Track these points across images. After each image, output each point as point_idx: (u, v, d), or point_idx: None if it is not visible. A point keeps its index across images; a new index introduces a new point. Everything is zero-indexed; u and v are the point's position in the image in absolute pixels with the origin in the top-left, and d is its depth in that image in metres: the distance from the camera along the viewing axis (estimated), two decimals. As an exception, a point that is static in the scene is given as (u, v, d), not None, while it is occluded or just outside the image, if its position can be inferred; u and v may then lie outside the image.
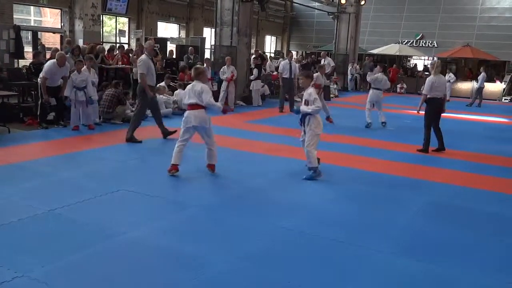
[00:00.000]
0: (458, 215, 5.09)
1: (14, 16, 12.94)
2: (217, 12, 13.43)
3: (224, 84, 12.26)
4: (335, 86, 18.32)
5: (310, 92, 5.90)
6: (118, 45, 15.26)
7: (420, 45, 26.07)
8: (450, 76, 19.19)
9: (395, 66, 23.29)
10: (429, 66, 10.23)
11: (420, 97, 8.44)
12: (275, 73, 16.59)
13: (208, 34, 20.80)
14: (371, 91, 10.73)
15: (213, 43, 14.65)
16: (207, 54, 17.65)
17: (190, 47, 15.19)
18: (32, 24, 16.90)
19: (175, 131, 7.85)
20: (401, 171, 6.83)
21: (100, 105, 9.31)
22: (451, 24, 25.17)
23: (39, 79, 8.49)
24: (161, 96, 10.51)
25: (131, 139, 7.70)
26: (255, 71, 13.99)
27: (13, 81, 9.60)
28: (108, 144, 7.69)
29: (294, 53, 22.01)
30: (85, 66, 8.78)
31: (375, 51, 24.35)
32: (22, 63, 12.47)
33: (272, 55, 26.71)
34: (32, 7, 16.48)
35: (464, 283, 3.57)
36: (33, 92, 9.56)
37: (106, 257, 3.66)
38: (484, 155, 8.31)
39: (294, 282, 3.39)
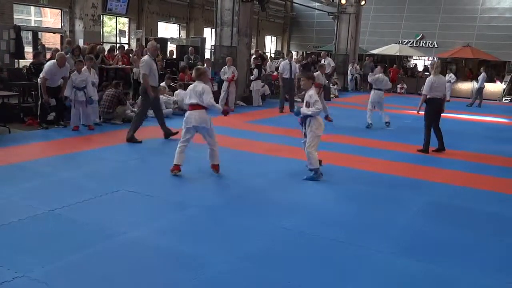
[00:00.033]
0: (458, 215, 5.10)
1: (14, 16, 12.94)
2: (218, 12, 13.43)
3: (224, 84, 12.27)
4: (335, 86, 18.32)
5: (311, 94, 5.90)
6: (118, 45, 15.27)
7: (420, 45, 26.07)
8: (450, 76, 19.18)
9: (395, 66, 23.29)
10: (429, 66, 10.23)
11: (420, 97, 8.44)
12: (275, 73, 16.59)
13: (209, 34, 20.80)
14: (372, 91, 10.73)
15: (213, 43, 14.65)
16: (207, 55, 17.66)
17: (191, 47, 15.20)
18: (32, 24, 16.91)
19: (177, 132, 7.86)
20: (401, 171, 6.83)
21: (100, 105, 9.31)
22: (451, 24, 25.17)
23: (39, 79, 8.50)
24: (161, 96, 10.50)
25: (131, 139, 7.71)
26: (255, 72, 13.99)
27: (13, 81, 9.61)
28: (108, 144, 7.69)
29: (294, 53, 22.03)
30: (85, 67, 8.78)
31: (375, 51, 24.35)
32: (22, 63, 12.48)
33: (272, 55, 26.72)
34: (32, 7, 16.49)
35: (464, 283, 3.57)
36: (33, 92, 9.57)
37: (106, 257, 3.66)
38: (484, 155, 8.31)
39: (294, 282, 3.39)
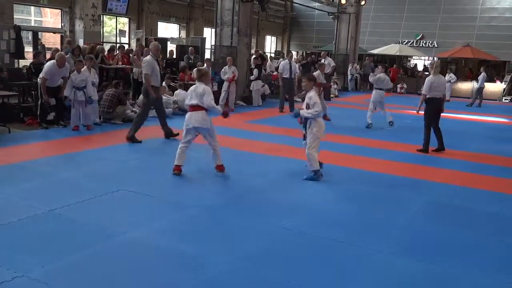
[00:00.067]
0: (458, 215, 5.10)
1: (15, 16, 12.93)
2: (218, 12, 13.43)
3: (225, 84, 12.26)
4: (335, 86, 18.31)
5: (311, 95, 5.90)
6: (118, 45, 15.26)
7: (420, 45, 26.07)
8: (450, 76, 19.17)
9: (395, 66, 23.29)
10: (428, 66, 10.24)
11: (420, 97, 8.44)
12: (275, 73, 16.59)
13: (209, 34, 20.80)
14: (374, 91, 10.73)
15: (213, 43, 14.65)
16: (207, 54, 17.65)
17: (191, 47, 15.19)
18: (32, 24, 16.91)
19: (177, 134, 7.87)
20: (401, 171, 6.83)
21: (100, 105, 9.31)
22: (451, 24, 25.17)
23: (38, 79, 8.49)
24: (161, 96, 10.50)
25: (132, 139, 7.71)
26: (255, 71, 13.99)
27: (13, 81, 9.60)
28: (108, 144, 7.69)
29: (294, 53, 22.02)
30: (85, 67, 8.78)
31: (375, 51, 24.35)
32: (22, 63, 12.47)
33: (272, 55, 26.71)
34: (32, 7, 16.49)
35: (464, 283, 3.57)
36: (33, 92, 9.56)
37: (106, 257, 3.66)
38: (484, 155, 8.30)
39: (294, 282, 3.39)
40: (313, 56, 20.36)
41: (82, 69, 8.56)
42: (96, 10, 14.20)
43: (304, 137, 6.03)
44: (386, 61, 24.98)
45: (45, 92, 8.30)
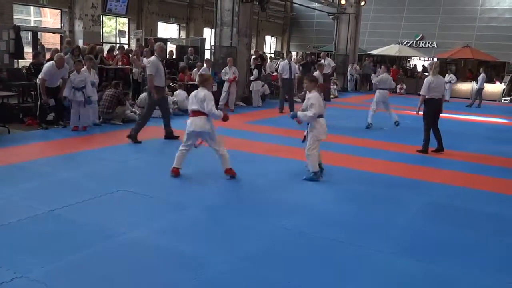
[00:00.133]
0: (458, 216, 5.10)
1: (14, 17, 12.94)
2: (217, 12, 13.43)
3: (225, 85, 12.27)
4: (334, 86, 18.33)
5: (309, 96, 5.92)
6: (118, 45, 15.26)
7: (420, 45, 26.09)
8: (451, 77, 19.19)
9: (395, 66, 23.31)
10: (427, 66, 10.25)
11: (419, 98, 8.44)
12: (275, 73, 16.59)
13: (208, 34, 20.81)
14: (377, 92, 10.74)
15: (213, 43, 14.65)
16: (207, 55, 17.65)
17: (190, 48, 15.20)
18: (32, 24, 16.91)
19: (178, 136, 7.88)
20: (401, 172, 6.83)
21: (100, 106, 9.29)
22: (451, 25, 25.20)
23: (38, 80, 8.49)
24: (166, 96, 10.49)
25: (132, 138, 7.70)
26: (255, 72, 13.99)
27: (13, 81, 9.60)
28: (108, 145, 7.69)
29: (293, 53, 22.02)
30: (85, 67, 8.77)
31: (375, 52, 24.36)
32: (22, 63, 12.47)
33: (272, 55, 26.72)
34: (32, 8, 16.49)
35: (464, 283, 3.57)
36: (33, 93, 9.56)
37: (106, 257, 3.66)
38: (484, 156, 8.31)
39: (294, 282, 3.39)
40: (312, 56, 20.37)
41: (82, 70, 8.56)
42: (95, 10, 14.20)
43: (305, 138, 6.03)
44: (385, 62, 24.98)
45: (44, 93, 8.30)
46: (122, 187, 5.31)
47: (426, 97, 8.00)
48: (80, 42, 13.30)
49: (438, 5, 25.71)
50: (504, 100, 20.71)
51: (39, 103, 8.59)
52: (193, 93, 5.87)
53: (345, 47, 21.31)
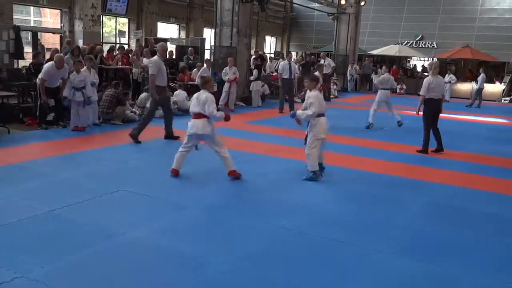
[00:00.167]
0: (458, 216, 5.10)
1: (14, 17, 12.94)
2: (217, 12, 13.43)
3: (226, 85, 12.27)
4: (334, 86, 18.33)
5: (309, 96, 5.93)
6: (118, 45, 15.26)
7: (420, 46, 26.09)
8: (451, 77, 19.19)
9: (394, 67, 23.31)
10: (427, 66, 10.27)
11: (419, 98, 8.44)
12: (274, 73, 16.59)
13: (208, 34, 20.80)
14: (379, 92, 10.76)
15: (213, 43, 14.65)
16: (207, 55, 17.66)
17: (190, 48, 15.20)
18: (32, 24, 16.90)
19: (178, 137, 7.89)
20: (401, 172, 6.83)
21: (100, 106, 9.29)
22: (450, 25, 25.20)
23: (37, 80, 8.49)
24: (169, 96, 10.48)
25: (133, 137, 7.71)
26: (255, 72, 13.99)
27: (12, 81, 9.60)
28: (108, 145, 7.69)
29: (293, 53, 22.03)
30: (85, 67, 8.77)
31: (374, 52, 24.36)
32: (21, 63, 12.47)
33: (272, 55, 26.72)
34: (32, 8, 16.49)
35: (464, 283, 3.57)
36: (32, 93, 9.56)
37: (105, 257, 3.66)
38: (484, 156, 8.31)
39: (294, 282, 3.39)
40: (312, 57, 20.38)
41: (82, 70, 8.56)
42: (95, 10, 14.20)
43: (306, 138, 6.04)
44: (385, 62, 24.99)
45: (44, 93, 8.30)
46: (122, 187, 5.31)
47: (426, 97, 8.00)
48: (80, 42, 13.30)
49: (438, 5, 25.72)
50: (504, 100, 20.71)
51: (39, 103, 8.59)
52: (195, 95, 5.87)
53: (345, 47, 21.31)
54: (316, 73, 11.14)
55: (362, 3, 21.12)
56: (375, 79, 11.13)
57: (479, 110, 16.52)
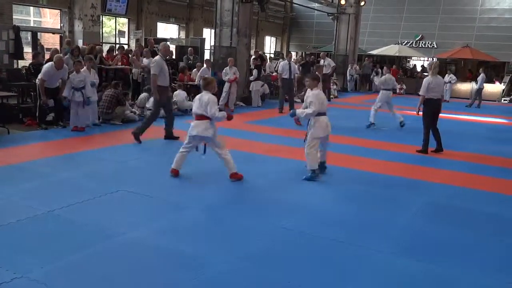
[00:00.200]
0: (458, 216, 5.09)
1: (14, 17, 12.93)
2: (217, 12, 13.43)
3: (226, 85, 12.27)
4: (334, 86, 18.33)
5: (309, 94, 5.94)
6: (118, 45, 15.26)
7: (420, 46, 26.09)
8: (451, 77, 19.19)
9: (394, 67, 23.29)
10: (426, 66, 10.28)
11: (419, 98, 8.45)
12: (274, 73, 16.59)
13: (208, 34, 20.80)
14: (381, 92, 10.77)
15: (212, 43, 14.65)
16: (206, 55, 17.67)
17: (190, 48, 15.20)
18: (31, 24, 16.89)
19: (178, 137, 7.90)
20: (401, 172, 6.83)
21: (100, 106, 9.29)
22: (450, 25, 25.20)
23: (37, 80, 8.48)
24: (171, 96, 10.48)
25: (135, 136, 7.73)
26: (254, 72, 13.99)
27: (12, 81, 9.60)
28: (108, 145, 7.69)
29: (293, 53, 22.05)
30: (84, 67, 8.77)
31: (374, 52, 24.36)
32: (21, 63, 12.47)
33: (272, 55, 26.72)
34: (31, 8, 16.47)
35: (464, 283, 3.57)
36: (32, 93, 9.56)
37: (105, 257, 3.66)
38: (483, 156, 8.31)
39: (294, 282, 3.39)
40: (312, 57, 20.39)
41: (82, 70, 8.55)
42: (95, 10, 14.20)
43: (306, 137, 6.05)
44: (385, 62, 24.99)
45: (43, 94, 8.29)
46: (122, 187, 5.31)
47: (425, 97, 8.01)
48: (80, 42, 13.30)
49: (438, 5, 25.72)
50: (504, 100, 20.71)
51: (38, 103, 8.58)
52: (197, 97, 5.86)
53: (345, 47, 21.31)
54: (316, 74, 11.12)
55: (362, 3, 21.12)
56: (376, 80, 11.14)
57: (479, 110, 16.52)
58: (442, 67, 20.83)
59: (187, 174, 5.94)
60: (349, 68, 21.21)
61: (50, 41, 16.16)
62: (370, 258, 3.86)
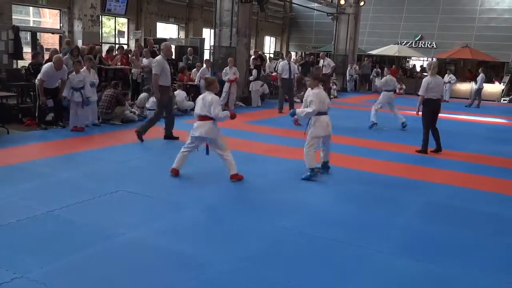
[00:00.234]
0: (458, 216, 5.09)
1: (13, 17, 12.94)
2: (217, 12, 13.43)
3: (226, 85, 12.26)
4: (334, 86, 18.33)
5: (309, 94, 5.94)
6: (117, 45, 15.25)
7: (419, 46, 26.09)
8: (450, 77, 19.19)
9: (394, 67, 23.30)
10: (426, 67, 10.30)
11: (418, 98, 8.45)
12: (274, 73, 16.59)
13: (208, 34, 20.80)
14: (383, 93, 10.78)
15: (212, 43, 14.65)
16: (206, 55, 17.66)
17: (189, 48, 15.19)
18: (31, 24, 16.87)
19: (177, 138, 7.90)
20: (400, 172, 6.83)
21: (99, 106, 9.28)
22: (450, 25, 25.21)
23: (36, 81, 8.47)
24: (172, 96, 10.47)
25: (138, 134, 7.76)
26: (254, 72, 13.98)
27: (12, 81, 9.60)
28: (107, 145, 7.69)
29: (293, 53, 22.05)
30: (84, 67, 8.76)
31: (374, 52, 24.36)
32: (21, 63, 12.46)
33: (272, 55, 26.72)
34: (31, 8, 16.46)
35: (464, 283, 3.57)
36: (31, 93, 9.55)
37: (105, 257, 3.65)
38: (483, 156, 8.31)
39: (294, 282, 3.38)
40: (312, 57, 20.38)
41: (82, 70, 8.55)
42: (94, 10, 14.19)
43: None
44: (385, 62, 25.02)
45: (42, 94, 8.28)
46: (122, 187, 5.30)
47: (425, 97, 8.01)
48: (79, 43, 13.29)
49: (438, 5, 25.73)
50: (503, 100, 20.71)
51: (38, 103, 8.57)
52: (200, 97, 5.85)
53: (345, 47, 21.31)
54: (316, 74, 11.13)
55: (362, 3, 21.12)
56: (378, 81, 11.17)
57: (478, 110, 16.52)
58: (441, 67, 20.83)
59: (187, 174, 5.93)
60: (348, 68, 21.21)
61: (50, 41, 16.15)
62: (370, 258, 3.86)
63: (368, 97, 18.05)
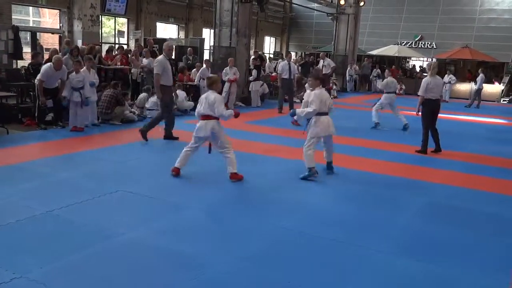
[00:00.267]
0: (458, 216, 5.09)
1: (13, 17, 12.93)
2: (216, 13, 13.43)
3: (226, 85, 12.26)
4: (334, 87, 18.33)
5: (309, 94, 5.94)
6: (117, 45, 15.25)
7: (419, 46, 26.09)
8: (450, 77, 19.20)
9: (394, 67, 23.32)
10: (425, 67, 10.31)
11: (418, 98, 8.45)
12: (274, 74, 16.58)
13: (207, 35, 20.80)
14: (384, 95, 10.80)
15: (212, 44, 14.64)
16: (206, 55, 17.66)
17: (189, 48, 15.18)
18: (30, 24, 16.87)
19: (177, 138, 7.90)
20: (400, 172, 6.83)
21: (99, 106, 9.28)
22: (450, 25, 25.21)
23: (36, 81, 8.47)
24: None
25: (142, 133, 7.80)
26: (254, 72, 13.98)
27: (11, 81, 9.59)
28: (107, 145, 7.68)
29: (293, 54, 22.05)
30: (84, 67, 8.76)
31: (374, 52, 24.35)
32: (20, 63, 12.45)
33: (271, 56, 26.71)
34: (30, 8, 16.46)
35: (464, 283, 3.57)
36: (31, 93, 9.54)
37: (104, 257, 3.65)
38: (483, 156, 8.30)
39: (294, 282, 3.38)
40: (311, 57, 20.39)
41: (81, 70, 8.54)
42: (94, 10, 14.18)
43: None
44: (385, 62, 25.02)
45: (42, 94, 8.28)
46: (121, 188, 5.30)
47: (424, 97, 8.01)
48: (79, 43, 13.28)
49: (437, 5, 25.73)
50: (503, 100, 20.72)
51: (37, 103, 8.57)
52: (203, 96, 5.83)
53: (344, 48, 21.31)
54: (315, 75, 11.14)
55: (362, 3, 21.13)
56: (379, 84, 11.20)
57: (478, 110, 16.52)
58: (441, 68, 20.82)
59: (187, 174, 5.93)
60: (348, 68, 21.20)
61: (49, 41, 16.14)
62: (370, 258, 3.85)
63: (368, 97, 18.04)
